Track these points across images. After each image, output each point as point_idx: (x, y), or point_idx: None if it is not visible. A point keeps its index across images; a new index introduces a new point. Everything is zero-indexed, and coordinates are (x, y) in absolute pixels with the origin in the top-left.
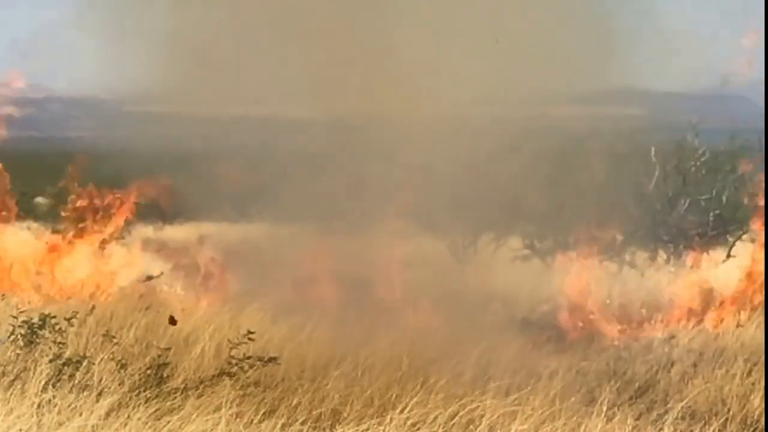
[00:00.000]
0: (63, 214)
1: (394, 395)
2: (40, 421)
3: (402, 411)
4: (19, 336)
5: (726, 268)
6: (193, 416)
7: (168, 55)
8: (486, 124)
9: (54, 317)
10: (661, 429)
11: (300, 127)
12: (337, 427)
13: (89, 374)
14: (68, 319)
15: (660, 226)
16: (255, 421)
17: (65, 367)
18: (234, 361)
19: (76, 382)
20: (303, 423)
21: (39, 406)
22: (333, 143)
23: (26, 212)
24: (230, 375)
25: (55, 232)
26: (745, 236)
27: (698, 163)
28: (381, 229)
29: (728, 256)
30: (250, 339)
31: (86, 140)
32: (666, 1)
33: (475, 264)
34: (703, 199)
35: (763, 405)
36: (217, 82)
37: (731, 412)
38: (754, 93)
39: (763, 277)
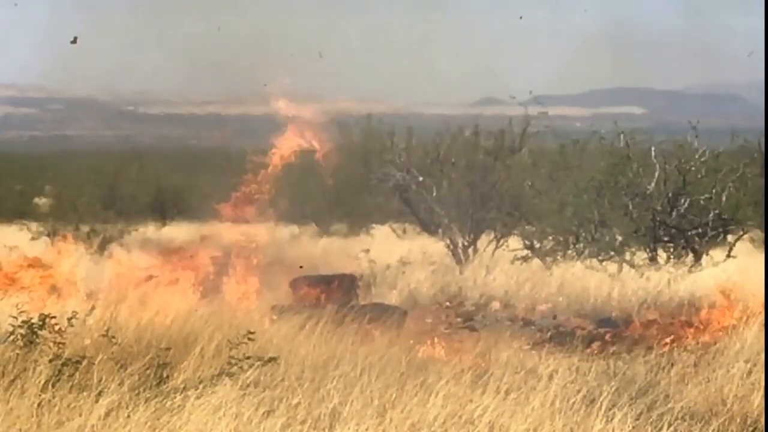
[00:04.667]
0: None
1: (394, 395)
2: (40, 421)
3: (401, 411)
4: (19, 336)
5: (726, 268)
6: (193, 416)
7: (169, 57)
8: (486, 124)
9: (54, 317)
10: (661, 429)
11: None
12: (337, 427)
13: (89, 374)
14: (68, 319)
15: (660, 226)
16: (255, 421)
17: (65, 367)
18: (234, 361)
19: (76, 382)
20: (303, 423)
21: (39, 406)
22: (333, 143)
23: (25, 213)
24: (230, 375)
25: None
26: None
27: (698, 163)
28: (381, 230)
29: (728, 256)
30: (250, 339)
31: (86, 140)
32: (667, 3)
33: (475, 264)
34: (703, 199)
35: (763, 405)
36: (217, 83)
37: (731, 412)
38: (754, 93)
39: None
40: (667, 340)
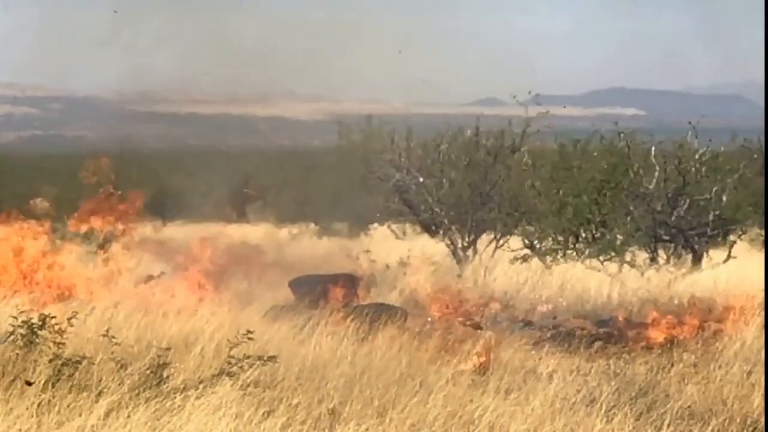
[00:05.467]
0: None
1: (393, 395)
2: (40, 421)
3: (402, 411)
4: (19, 336)
5: (726, 268)
6: (193, 416)
7: (168, 56)
8: (486, 124)
9: (54, 317)
10: (661, 429)
11: (299, 127)
12: (336, 427)
13: (89, 374)
14: (68, 319)
15: (660, 226)
16: (255, 421)
17: (65, 367)
18: (234, 361)
19: (76, 382)
20: (303, 423)
21: (39, 406)
22: (333, 143)
23: (25, 213)
24: (230, 375)
25: None
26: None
27: (698, 163)
28: (381, 230)
29: (728, 256)
30: (249, 339)
31: (86, 140)
32: (667, 3)
33: (475, 264)
34: (703, 199)
35: (763, 405)
36: (216, 83)
37: (731, 412)
38: (753, 93)
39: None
40: (667, 340)
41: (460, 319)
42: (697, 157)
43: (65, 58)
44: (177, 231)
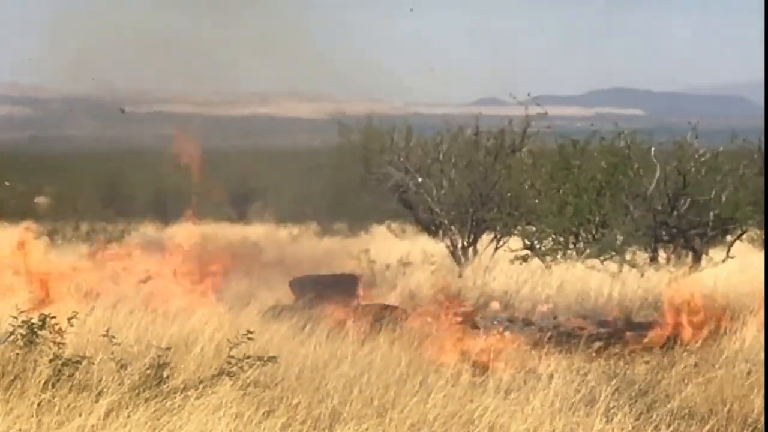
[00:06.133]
0: None
1: (393, 395)
2: (39, 421)
3: (402, 411)
4: (19, 336)
5: (726, 268)
6: (193, 416)
7: (168, 56)
8: (486, 124)
9: (54, 317)
10: (661, 429)
11: (300, 127)
12: (336, 427)
13: (89, 374)
14: (68, 319)
15: (660, 226)
16: (255, 421)
17: (65, 367)
18: (234, 361)
19: (76, 382)
20: (303, 423)
21: (39, 406)
22: (333, 143)
23: (26, 212)
24: (230, 375)
25: None
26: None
27: (698, 163)
28: (381, 230)
29: (727, 256)
30: (249, 339)
31: (86, 140)
32: (667, 3)
33: (474, 264)
34: (703, 199)
35: (763, 405)
36: (216, 83)
37: (731, 412)
38: (753, 93)
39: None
40: (667, 339)
41: (460, 319)
42: (697, 157)
43: (65, 57)
44: (177, 231)
